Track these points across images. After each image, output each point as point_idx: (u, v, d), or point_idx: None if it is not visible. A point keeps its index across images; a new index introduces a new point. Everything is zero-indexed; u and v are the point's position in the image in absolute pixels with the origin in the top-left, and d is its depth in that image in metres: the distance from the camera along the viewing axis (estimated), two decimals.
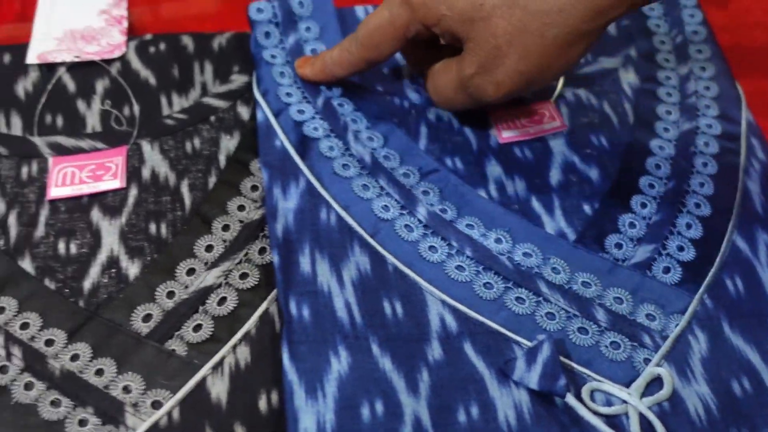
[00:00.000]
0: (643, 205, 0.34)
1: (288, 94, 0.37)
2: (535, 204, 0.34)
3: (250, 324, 0.30)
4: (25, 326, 0.30)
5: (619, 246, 0.33)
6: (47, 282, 0.31)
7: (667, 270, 0.32)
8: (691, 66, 0.40)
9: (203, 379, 0.29)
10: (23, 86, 0.38)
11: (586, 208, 0.34)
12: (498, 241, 0.32)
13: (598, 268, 0.32)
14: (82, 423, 0.27)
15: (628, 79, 0.40)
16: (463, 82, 0.32)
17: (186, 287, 0.31)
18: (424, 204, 0.33)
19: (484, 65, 0.31)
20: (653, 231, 0.33)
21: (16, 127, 0.37)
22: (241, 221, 0.33)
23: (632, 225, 0.33)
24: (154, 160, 0.36)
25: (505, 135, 0.37)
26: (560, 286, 0.31)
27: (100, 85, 0.39)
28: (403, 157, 0.35)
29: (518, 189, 0.35)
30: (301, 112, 0.36)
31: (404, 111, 0.38)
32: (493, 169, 0.35)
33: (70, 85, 0.38)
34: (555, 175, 0.35)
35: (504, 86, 0.31)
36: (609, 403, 0.28)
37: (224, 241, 0.33)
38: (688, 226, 0.33)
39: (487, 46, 0.30)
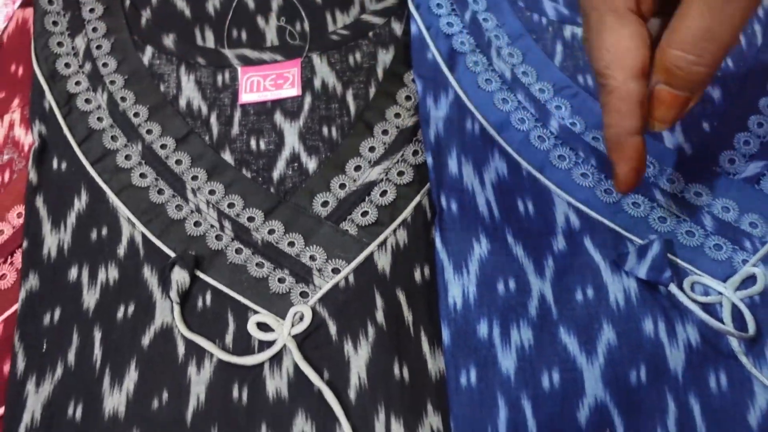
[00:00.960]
0: (759, 125, 0.37)
1: (438, 5, 0.42)
2: None
3: (407, 212, 0.37)
4: (231, 205, 0.38)
5: (731, 161, 0.37)
6: (244, 171, 0.39)
7: None
8: None
9: (371, 254, 0.36)
10: (212, 4, 0.45)
11: (705, 125, 0.38)
12: None
13: (709, 180, 0.36)
14: (281, 280, 0.36)
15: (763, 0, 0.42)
16: None
17: (354, 181, 0.38)
18: (556, 117, 0.38)
19: None
20: (765, 149, 0.37)
21: (209, 41, 0.44)
22: (397, 127, 0.40)
23: (746, 143, 0.37)
24: (323, 71, 0.42)
25: None
26: (674, 194, 0.36)
27: (275, 3, 0.45)
28: (540, 74, 0.40)
29: None
30: (450, 24, 0.41)
31: (542, 28, 0.42)
32: None
33: (251, 3, 0.45)
34: None
35: None
36: (706, 294, 0.33)
37: (384, 143, 0.39)
38: None
39: None
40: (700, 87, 0.28)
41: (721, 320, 0.32)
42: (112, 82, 0.42)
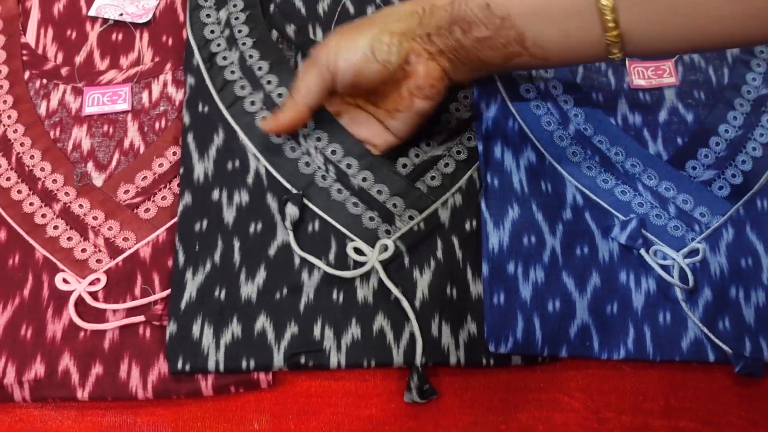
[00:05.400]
0: (717, 144, 0.52)
1: None
2: (646, 133, 0.53)
3: (462, 181, 0.51)
4: (333, 152, 0.51)
5: (694, 168, 0.52)
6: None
7: (720, 188, 0.51)
8: None
9: (436, 209, 0.50)
10: (322, 6, 0.58)
11: (679, 140, 0.53)
12: (617, 154, 0.52)
13: (677, 180, 0.51)
14: (371, 219, 0.50)
15: (732, 49, 0.56)
16: None
17: (425, 152, 0.52)
18: (574, 123, 0.53)
19: None
20: (719, 162, 0.52)
21: (319, 36, 0.57)
22: (457, 118, 0.54)
23: (706, 156, 0.52)
24: None
25: (636, 82, 0.55)
26: (651, 187, 0.51)
27: (370, 9, 0.58)
28: (565, 87, 0.54)
29: (636, 121, 0.53)
30: None
31: None
32: (623, 105, 0.54)
33: (351, 8, 0.58)
34: (663, 115, 0.54)
35: None
36: (664, 258, 0.49)
37: (447, 129, 0.53)
38: (743, 161, 0.52)
39: None
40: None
41: (672, 277, 0.48)
42: (243, 44, 0.54)
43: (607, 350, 0.47)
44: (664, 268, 0.48)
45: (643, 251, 0.48)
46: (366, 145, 0.51)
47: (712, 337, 0.47)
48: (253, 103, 0.52)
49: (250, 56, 0.54)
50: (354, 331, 0.47)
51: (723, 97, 0.54)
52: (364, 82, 0.47)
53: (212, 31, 0.55)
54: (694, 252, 0.49)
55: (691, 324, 0.47)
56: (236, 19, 0.55)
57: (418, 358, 0.46)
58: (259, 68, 0.53)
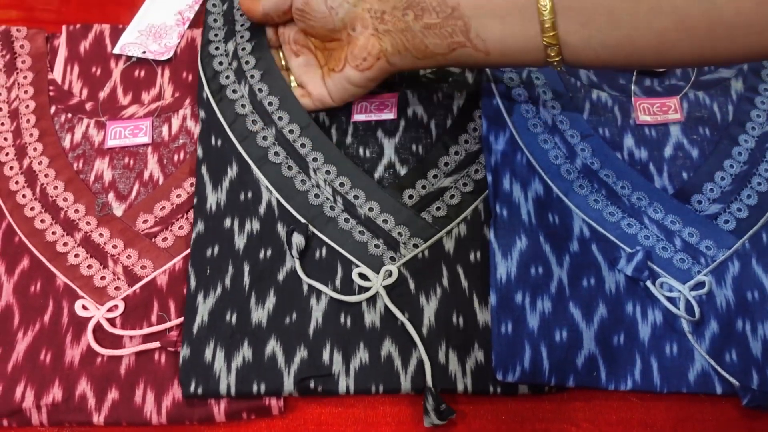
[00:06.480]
0: (722, 179, 0.53)
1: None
2: (651, 168, 0.54)
3: (468, 212, 0.52)
4: (342, 185, 0.53)
5: (699, 202, 0.52)
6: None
7: (726, 221, 0.51)
8: None
9: (440, 238, 0.51)
10: None
11: (684, 175, 0.54)
12: (623, 188, 0.53)
13: (683, 214, 0.52)
14: (377, 246, 0.51)
15: (737, 87, 0.57)
16: None
17: (432, 184, 0.53)
18: (580, 157, 0.54)
19: None
20: (724, 196, 0.52)
21: None
22: (465, 150, 0.55)
23: (712, 190, 0.53)
24: (414, 102, 0.57)
25: (642, 118, 0.56)
26: (657, 220, 0.52)
27: None
28: (572, 122, 0.55)
29: (642, 156, 0.54)
30: (511, 79, 0.56)
31: (576, 88, 0.58)
32: (628, 140, 0.55)
33: None
34: (668, 151, 0.55)
35: None
36: (670, 291, 0.49)
37: (455, 161, 0.55)
38: (749, 196, 0.52)
39: None
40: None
41: (678, 309, 0.48)
42: (252, 76, 0.56)
43: (614, 381, 0.47)
44: (671, 300, 0.49)
45: (649, 283, 0.49)
46: (300, 90, 0.55)
47: (719, 369, 0.47)
48: (265, 138, 0.54)
49: (260, 90, 0.55)
50: (362, 355, 0.48)
51: (728, 133, 0.55)
52: (309, 18, 0.51)
53: (221, 63, 0.56)
54: (700, 285, 0.49)
55: (697, 356, 0.48)
56: (243, 50, 0.57)
57: (429, 380, 0.46)
58: (270, 103, 0.55)
